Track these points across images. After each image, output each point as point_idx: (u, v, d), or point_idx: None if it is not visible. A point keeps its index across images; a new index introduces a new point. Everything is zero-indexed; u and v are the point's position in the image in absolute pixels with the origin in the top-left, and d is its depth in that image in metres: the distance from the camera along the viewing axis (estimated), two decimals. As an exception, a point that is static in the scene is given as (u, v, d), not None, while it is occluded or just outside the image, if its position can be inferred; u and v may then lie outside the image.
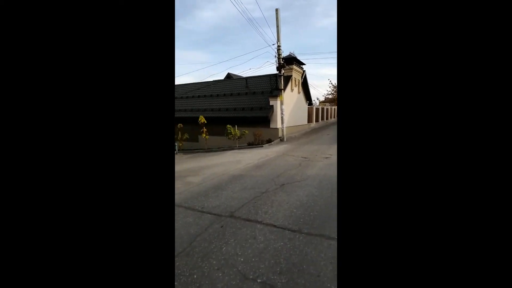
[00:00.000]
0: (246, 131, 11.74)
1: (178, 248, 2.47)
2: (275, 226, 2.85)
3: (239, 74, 19.15)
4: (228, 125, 11.65)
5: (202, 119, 12.15)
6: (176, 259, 2.28)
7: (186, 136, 12.86)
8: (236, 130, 11.66)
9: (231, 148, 11.35)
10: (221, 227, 2.91)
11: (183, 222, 3.09)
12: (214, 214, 3.29)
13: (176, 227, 2.96)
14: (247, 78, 15.69)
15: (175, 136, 13.00)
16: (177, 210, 3.50)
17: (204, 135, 12.24)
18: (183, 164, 8.03)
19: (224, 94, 15.29)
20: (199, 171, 6.25)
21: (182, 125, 13.13)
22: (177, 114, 14.71)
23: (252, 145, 11.44)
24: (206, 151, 11.61)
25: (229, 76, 19.32)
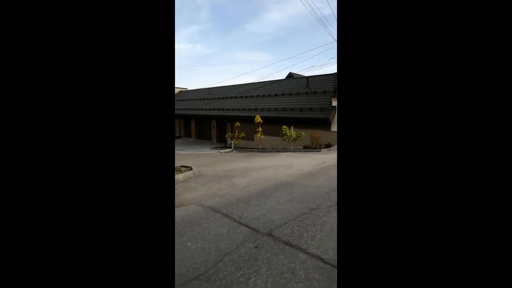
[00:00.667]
0: (303, 133, 10.98)
1: (201, 266, 2.12)
2: (322, 260, 2.21)
3: (300, 73, 18.38)
4: (283, 126, 11.13)
5: (258, 119, 11.97)
6: (195, 282, 1.92)
7: (242, 134, 12.94)
8: (292, 131, 11.05)
9: (285, 150, 10.81)
10: (256, 247, 2.44)
11: (215, 233, 2.75)
12: (251, 228, 2.85)
13: (207, 238, 2.64)
14: (308, 77, 14.82)
15: (233, 134, 13.26)
16: (214, 216, 3.20)
17: (259, 135, 12.05)
18: (234, 163, 7.91)
19: (283, 94, 14.82)
20: (247, 173, 5.95)
21: (239, 124, 13.27)
22: (235, 113, 15.02)
23: (308, 148, 10.63)
24: (260, 151, 11.39)
25: (290, 75, 18.76)
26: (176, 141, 18.06)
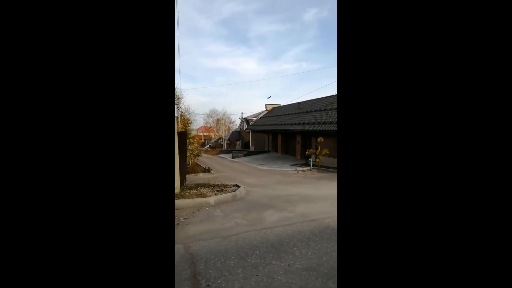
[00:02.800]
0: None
1: None
2: None
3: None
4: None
5: (342, 133, 9.97)
6: None
7: (325, 151, 11.19)
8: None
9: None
10: None
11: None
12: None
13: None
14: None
15: (314, 150, 11.74)
16: (180, 274, 2.26)
17: (325, 152, 9.96)
18: (297, 187, 6.58)
19: None
20: (294, 203, 4.59)
21: (322, 139, 11.61)
22: (319, 127, 13.34)
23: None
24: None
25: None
26: (263, 155, 18.18)
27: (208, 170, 10.05)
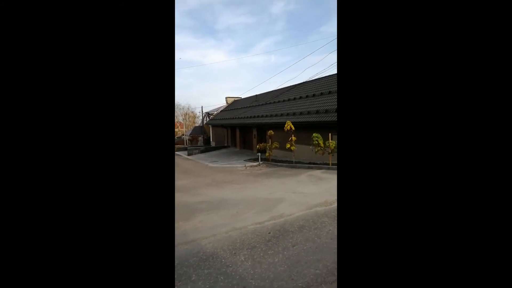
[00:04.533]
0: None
1: None
2: None
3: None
4: (314, 134, 8.42)
5: (288, 125, 9.66)
6: None
7: (275, 145, 10.87)
8: (330, 141, 8.22)
9: (318, 166, 8.10)
10: None
11: None
12: None
13: None
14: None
15: (264, 144, 11.37)
16: None
17: (288, 145, 9.69)
18: (225, 189, 6.06)
19: (321, 93, 11.81)
20: (194, 213, 4.05)
21: (272, 132, 11.26)
22: (271, 120, 13.00)
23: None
24: (291, 166, 9.05)
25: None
26: (221, 151, 17.55)
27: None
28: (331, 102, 10.66)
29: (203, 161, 13.57)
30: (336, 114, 9.88)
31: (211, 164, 12.04)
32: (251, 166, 10.44)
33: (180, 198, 5.18)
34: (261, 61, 76.62)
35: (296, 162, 9.33)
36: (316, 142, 8.23)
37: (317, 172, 7.33)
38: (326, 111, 10.12)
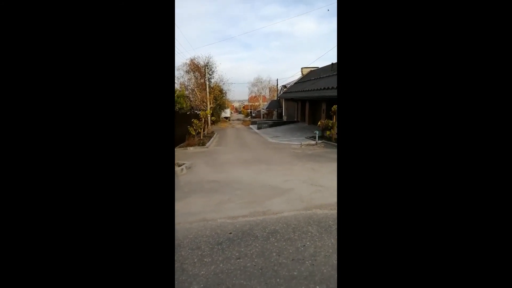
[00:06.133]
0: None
1: None
2: None
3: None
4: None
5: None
6: None
7: (333, 122, 9.41)
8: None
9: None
10: None
11: None
12: None
13: None
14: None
15: (328, 121, 10.01)
16: None
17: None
18: (254, 169, 5.71)
19: None
20: (224, 190, 3.92)
21: (336, 107, 9.71)
22: (331, 93, 11.11)
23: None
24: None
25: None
26: (289, 126, 16.87)
27: (202, 144, 9.90)
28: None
29: (266, 135, 13.48)
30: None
31: (270, 139, 11.78)
32: (307, 144, 9.51)
33: (201, 174, 5.23)
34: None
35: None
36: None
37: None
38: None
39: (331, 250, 2.18)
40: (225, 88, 23.08)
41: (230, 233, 2.58)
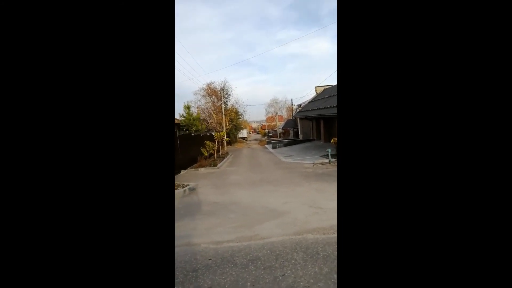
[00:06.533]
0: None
1: None
2: None
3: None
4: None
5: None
6: None
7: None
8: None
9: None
10: None
11: None
12: None
13: None
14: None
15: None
16: None
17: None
18: (260, 190, 5.56)
19: None
20: (220, 214, 3.85)
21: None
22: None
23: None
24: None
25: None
26: (305, 145, 16.54)
27: (214, 165, 9.95)
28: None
29: (280, 155, 13.29)
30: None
31: (284, 159, 11.57)
32: (320, 163, 9.19)
33: (203, 196, 5.18)
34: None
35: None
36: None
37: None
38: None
39: (312, 280, 1.96)
40: (240, 110, 23.58)
41: (210, 259, 2.44)
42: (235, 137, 23.56)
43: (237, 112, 22.44)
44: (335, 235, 2.71)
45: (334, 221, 3.11)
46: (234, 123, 21.64)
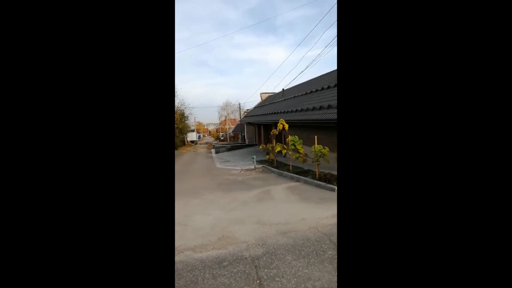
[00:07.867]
0: (325, 151, 6.14)
1: None
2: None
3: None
4: (290, 137, 6.86)
5: (281, 125, 8.32)
6: None
7: (278, 148, 9.62)
8: (315, 146, 6.56)
9: (305, 173, 6.57)
10: None
11: None
12: None
13: None
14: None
15: (268, 146, 10.24)
16: None
17: (278, 148, 8.35)
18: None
19: (328, 87, 9.57)
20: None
21: (276, 131, 10.03)
22: (284, 117, 11.60)
23: (327, 180, 5.75)
24: (278, 174, 7.75)
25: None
26: (246, 149, 17.03)
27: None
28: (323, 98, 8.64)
29: (218, 160, 13.42)
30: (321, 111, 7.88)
31: (219, 165, 11.72)
32: (247, 169, 9.58)
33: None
34: (324, 53, 71.46)
35: (293, 168, 7.87)
36: (293, 147, 6.70)
37: (291, 184, 5.95)
38: (329, 107, 8.21)
39: None
40: (187, 112, 23.03)
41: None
42: (181, 140, 22.94)
43: (182, 115, 21.88)
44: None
45: (203, 239, 3.30)
46: (178, 126, 21.06)
